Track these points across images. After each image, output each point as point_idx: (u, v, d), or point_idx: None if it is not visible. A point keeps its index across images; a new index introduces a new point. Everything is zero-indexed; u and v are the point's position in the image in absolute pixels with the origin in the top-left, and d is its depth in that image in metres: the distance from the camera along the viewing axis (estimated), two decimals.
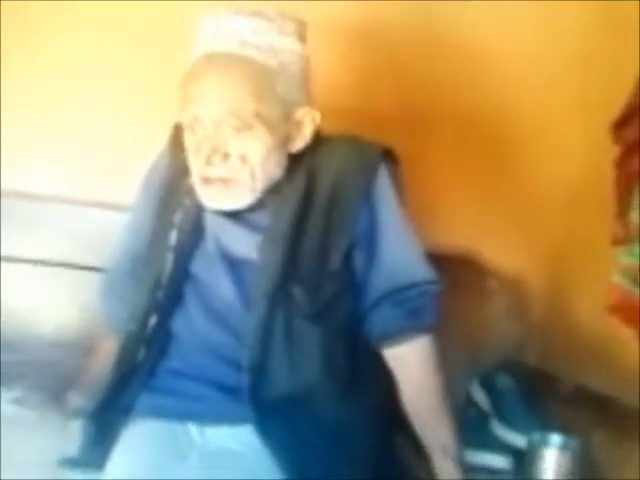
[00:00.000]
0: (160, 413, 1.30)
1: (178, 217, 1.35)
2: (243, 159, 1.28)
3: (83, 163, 1.79)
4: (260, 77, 1.26)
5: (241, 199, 1.30)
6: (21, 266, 1.68)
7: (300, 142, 1.33)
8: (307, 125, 1.33)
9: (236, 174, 1.28)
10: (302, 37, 1.33)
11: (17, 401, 1.47)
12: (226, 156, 1.27)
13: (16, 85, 1.77)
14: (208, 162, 1.27)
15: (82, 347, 1.50)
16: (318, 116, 1.33)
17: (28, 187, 1.76)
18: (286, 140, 1.31)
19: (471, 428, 1.50)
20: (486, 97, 1.86)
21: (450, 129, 1.87)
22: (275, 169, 1.31)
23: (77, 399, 1.41)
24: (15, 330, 1.64)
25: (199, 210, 1.34)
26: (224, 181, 1.28)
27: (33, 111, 1.78)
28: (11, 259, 1.67)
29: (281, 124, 1.29)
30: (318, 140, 1.36)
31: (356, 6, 1.80)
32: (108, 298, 1.46)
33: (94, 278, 1.50)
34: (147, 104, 1.78)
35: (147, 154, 1.46)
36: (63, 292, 1.69)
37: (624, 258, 1.49)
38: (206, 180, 1.29)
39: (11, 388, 1.48)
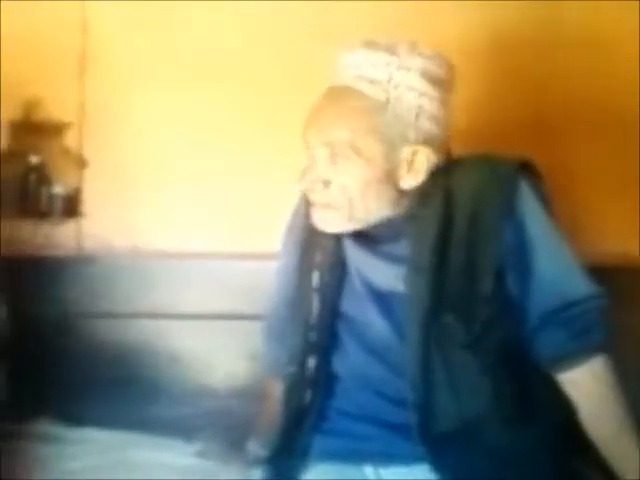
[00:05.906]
0: (334, 456, 1.30)
1: (319, 258, 1.36)
2: (343, 188, 1.28)
3: (233, 219, 1.85)
4: (363, 111, 1.25)
5: (340, 224, 1.30)
6: (187, 322, 1.75)
7: (411, 181, 1.29)
8: (418, 164, 1.28)
9: (334, 201, 1.29)
10: (431, 76, 1.27)
11: (199, 454, 1.52)
12: (327, 183, 1.29)
13: (166, 152, 1.87)
14: (312, 188, 1.30)
15: (253, 395, 1.53)
16: (432, 154, 1.28)
17: (187, 247, 1.83)
18: (392, 177, 1.28)
19: None
20: (615, 89, 1.78)
21: (585, 129, 1.79)
22: (379, 203, 1.28)
23: (255, 447, 1.43)
24: (188, 384, 1.71)
25: (339, 249, 1.35)
26: (324, 206, 1.30)
27: (182, 176, 1.87)
28: (177, 316, 1.75)
29: (383, 160, 1.26)
30: (450, 163, 1.32)
31: (473, 23, 1.78)
32: (270, 343, 1.48)
33: (257, 326, 1.53)
34: (286, 154, 1.77)
35: (290, 200, 1.49)
36: (229, 342, 1.74)
37: None
38: (312, 204, 1.32)
39: (191, 441, 1.54)
